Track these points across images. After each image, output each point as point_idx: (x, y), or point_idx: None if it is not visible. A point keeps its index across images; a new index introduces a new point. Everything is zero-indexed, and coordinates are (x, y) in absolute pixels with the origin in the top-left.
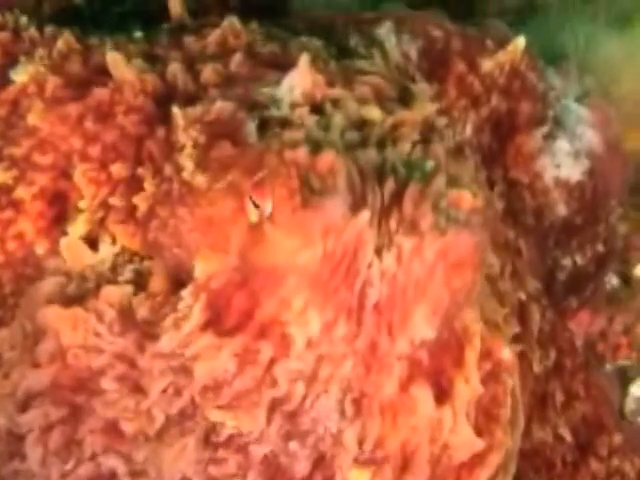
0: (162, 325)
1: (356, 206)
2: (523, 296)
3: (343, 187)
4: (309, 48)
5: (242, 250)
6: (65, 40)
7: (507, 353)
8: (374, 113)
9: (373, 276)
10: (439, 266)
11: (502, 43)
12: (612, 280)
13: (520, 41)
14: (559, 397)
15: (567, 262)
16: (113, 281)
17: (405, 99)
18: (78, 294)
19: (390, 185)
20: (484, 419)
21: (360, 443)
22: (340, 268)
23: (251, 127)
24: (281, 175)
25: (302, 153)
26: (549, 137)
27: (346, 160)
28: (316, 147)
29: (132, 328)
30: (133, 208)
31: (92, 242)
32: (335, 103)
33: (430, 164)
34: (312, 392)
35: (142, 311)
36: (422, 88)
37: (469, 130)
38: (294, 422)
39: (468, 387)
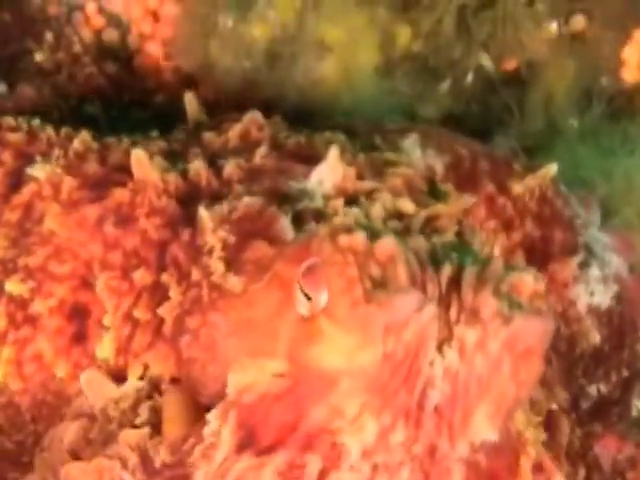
0: (189, 461)
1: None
2: (553, 406)
3: (405, 278)
4: (335, 141)
5: (291, 347)
6: (81, 139)
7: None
8: (408, 206)
9: (435, 375)
10: (505, 358)
11: (530, 168)
12: (638, 404)
13: (552, 167)
14: None
15: (592, 390)
16: (132, 422)
17: (434, 193)
18: (101, 438)
19: (447, 271)
20: None
21: None
22: (401, 369)
23: (285, 221)
24: (337, 263)
25: (360, 238)
26: (583, 265)
27: (404, 247)
28: (372, 233)
29: (156, 472)
30: (160, 323)
31: (119, 369)
32: (369, 195)
33: (479, 249)
34: None
35: (161, 455)
36: (450, 186)
37: (497, 252)
38: None
39: None
